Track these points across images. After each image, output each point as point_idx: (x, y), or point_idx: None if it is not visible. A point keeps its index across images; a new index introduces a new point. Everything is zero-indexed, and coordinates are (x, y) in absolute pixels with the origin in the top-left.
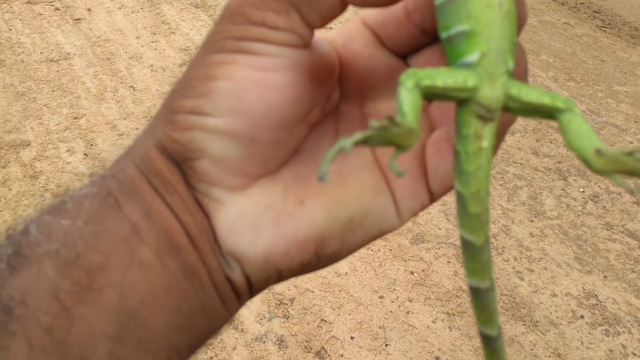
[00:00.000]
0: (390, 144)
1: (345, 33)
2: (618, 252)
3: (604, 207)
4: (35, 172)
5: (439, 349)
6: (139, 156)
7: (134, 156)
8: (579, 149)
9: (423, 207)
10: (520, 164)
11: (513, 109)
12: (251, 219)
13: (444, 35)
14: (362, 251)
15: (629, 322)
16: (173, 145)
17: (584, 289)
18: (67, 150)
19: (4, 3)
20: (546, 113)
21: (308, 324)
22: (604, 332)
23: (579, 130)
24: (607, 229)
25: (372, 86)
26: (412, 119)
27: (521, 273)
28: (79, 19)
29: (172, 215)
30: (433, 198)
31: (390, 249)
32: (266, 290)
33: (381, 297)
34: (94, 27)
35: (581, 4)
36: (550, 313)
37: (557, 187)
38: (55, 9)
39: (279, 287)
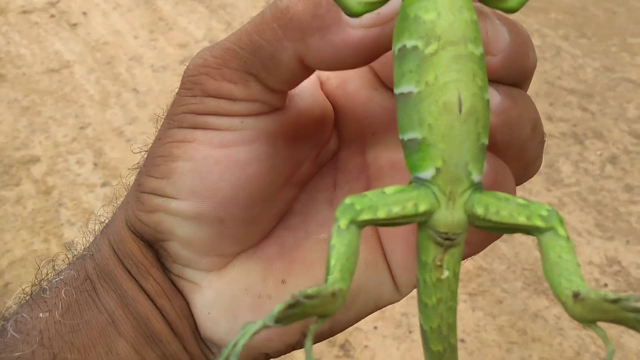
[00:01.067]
0: (309, 315)
1: (340, 73)
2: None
3: (622, 168)
4: (47, 187)
5: (463, 331)
6: (113, 235)
7: (109, 234)
8: (555, 286)
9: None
10: None
11: (483, 227)
12: (228, 303)
13: (400, 137)
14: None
15: None
16: (142, 226)
17: (606, 256)
18: (77, 162)
19: None
20: (524, 231)
21: None
22: None
23: (558, 261)
24: (627, 192)
25: (372, 131)
26: (336, 279)
27: None
28: (75, 24)
29: (148, 301)
30: (466, 256)
31: None
32: None
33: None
34: (91, 31)
35: None
36: None
37: (574, 152)
38: (51, 16)
39: None
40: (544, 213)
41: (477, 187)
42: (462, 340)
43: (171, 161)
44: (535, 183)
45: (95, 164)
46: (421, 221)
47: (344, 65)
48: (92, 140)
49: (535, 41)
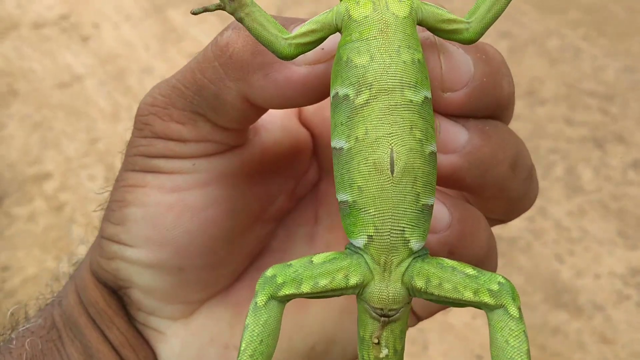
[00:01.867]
0: None
1: None
2: None
3: None
4: (60, 203)
5: (480, 346)
6: (79, 280)
7: (76, 278)
8: None
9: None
10: (554, 136)
11: (427, 299)
12: (194, 355)
13: (337, 196)
14: None
15: None
16: (103, 273)
17: (629, 266)
18: (89, 177)
19: (12, 31)
20: (473, 305)
21: None
22: None
23: (504, 347)
24: None
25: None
26: None
27: (561, 256)
28: (87, 38)
29: (113, 352)
30: (419, 319)
31: None
32: None
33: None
34: (102, 43)
35: None
36: (595, 296)
37: (595, 158)
38: (63, 29)
39: None
40: (494, 287)
41: (419, 255)
42: (480, 357)
43: (124, 207)
44: (554, 190)
45: (107, 179)
46: (355, 293)
47: (292, 104)
48: (103, 154)
49: (554, 42)
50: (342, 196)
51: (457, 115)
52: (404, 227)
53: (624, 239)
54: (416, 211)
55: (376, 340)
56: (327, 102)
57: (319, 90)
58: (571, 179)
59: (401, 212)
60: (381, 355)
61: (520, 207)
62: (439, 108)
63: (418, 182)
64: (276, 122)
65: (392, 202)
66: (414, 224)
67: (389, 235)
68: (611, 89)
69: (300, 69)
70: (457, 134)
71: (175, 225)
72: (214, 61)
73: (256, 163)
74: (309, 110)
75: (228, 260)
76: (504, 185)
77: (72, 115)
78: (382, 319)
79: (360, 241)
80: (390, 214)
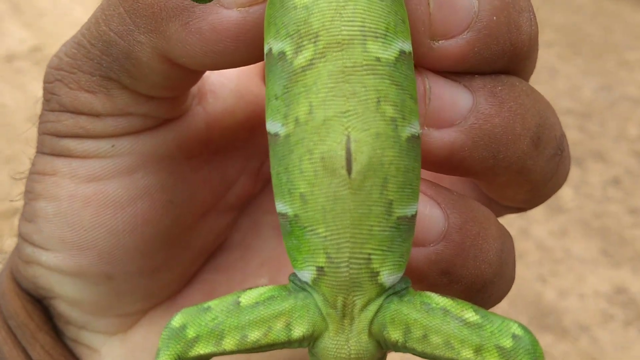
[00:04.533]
0: None
1: None
2: None
3: (625, 190)
4: None
5: None
6: None
7: None
8: None
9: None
10: None
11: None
12: None
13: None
14: None
15: None
16: (23, 280)
17: (613, 285)
18: None
19: None
20: None
21: None
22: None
23: None
24: (632, 214)
25: None
26: None
27: (545, 277)
28: None
29: None
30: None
31: None
32: None
33: None
34: None
35: None
36: (580, 317)
37: (574, 176)
38: (35, 62)
39: None
40: (507, 343)
41: (395, 292)
42: None
43: (34, 200)
44: (534, 210)
45: None
46: (304, 347)
47: (225, 62)
48: None
49: None
50: (280, 206)
51: (456, 72)
52: (369, 253)
53: (607, 258)
54: (388, 229)
55: None
56: None
57: (259, 44)
58: (551, 198)
59: (365, 231)
60: None
61: (547, 192)
62: (428, 63)
63: (390, 185)
64: (229, 85)
65: (352, 218)
66: (385, 248)
67: (347, 266)
68: (588, 107)
69: (230, 14)
70: (456, 100)
71: (94, 224)
72: (119, 6)
73: (201, 140)
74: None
75: (171, 264)
76: (524, 166)
77: None
78: None
79: (306, 274)
80: (348, 235)
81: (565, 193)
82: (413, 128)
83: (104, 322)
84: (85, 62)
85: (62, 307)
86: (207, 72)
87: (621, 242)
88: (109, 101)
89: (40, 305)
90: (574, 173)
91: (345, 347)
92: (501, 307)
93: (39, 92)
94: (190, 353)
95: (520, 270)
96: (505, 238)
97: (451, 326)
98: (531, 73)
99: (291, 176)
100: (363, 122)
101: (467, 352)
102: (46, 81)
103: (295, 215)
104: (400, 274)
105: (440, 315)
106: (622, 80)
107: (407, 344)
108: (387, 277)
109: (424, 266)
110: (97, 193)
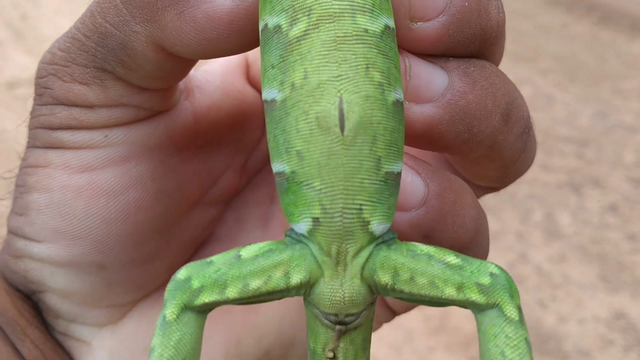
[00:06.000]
0: None
1: None
2: None
3: (622, 217)
4: None
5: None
6: None
7: None
8: None
9: (380, 325)
10: (531, 182)
11: (399, 298)
12: None
13: (272, 166)
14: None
15: None
16: (11, 275)
17: (612, 310)
18: None
19: None
20: (458, 304)
21: None
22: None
23: (497, 357)
24: (630, 240)
25: None
26: None
27: (544, 302)
28: None
29: None
30: (396, 314)
31: None
32: None
33: (398, 350)
34: None
35: (575, 1)
36: (580, 342)
37: (572, 202)
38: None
39: None
40: (485, 280)
41: (383, 241)
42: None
43: (26, 193)
44: (533, 236)
45: None
46: (301, 294)
47: (218, 51)
48: None
49: (526, 90)
50: (277, 166)
51: (432, 54)
52: (361, 204)
53: (605, 283)
54: (377, 182)
55: (331, 354)
56: None
57: (252, 32)
58: (550, 224)
59: (357, 184)
60: None
61: (516, 170)
62: (408, 44)
63: (379, 143)
64: (214, 82)
65: (344, 172)
66: (374, 200)
67: (341, 216)
68: (585, 134)
69: (224, 2)
70: (433, 78)
71: (87, 214)
72: None
73: (189, 133)
74: (254, 70)
75: (162, 254)
76: (496, 142)
77: None
78: (338, 327)
79: (303, 226)
80: (341, 187)
81: (563, 219)
82: (397, 94)
83: (94, 313)
84: (79, 55)
85: (52, 301)
86: (192, 71)
87: (619, 268)
88: (103, 92)
89: (30, 300)
90: (571, 199)
91: (340, 291)
92: None
93: None
94: (195, 302)
95: (520, 295)
96: (480, 210)
97: (435, 268)
98: (500, 59)
99: (288, 136)
100: (354, 85)
101: (450, 290)
102: (39, 77)
103: (292, 172)
104: (389, 225)
105: (424, 259)
106: (618, 108)
107: (395, 287)
108: (377, 226)
109: (407, 229)
110: (90, 182)
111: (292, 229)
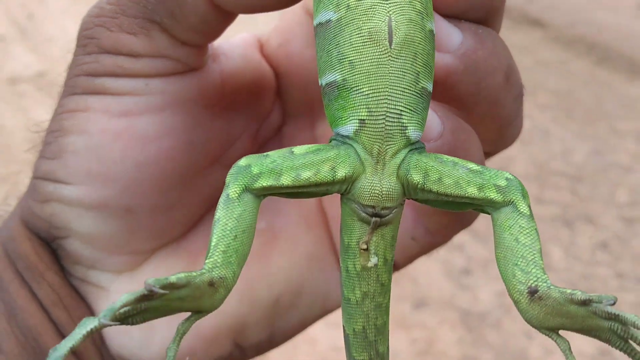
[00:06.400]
0: (176, 310)
1: (283, 29)
2: (631, 303)
3: (613, 254)
4: None
5: None
6: (7, 231)
7: (3, 230)
8: (507, 278)
9: None
10: None
11: (423, 201)
12: None
13: (319, 82)
14: None
15: None
16: (36, 220)
17: (598, 347)
18: None
19: None
20: (476, 206)
21: None
22: None
23: (513, 246)
24: (618, 279)
25: (321, 99)
26: (217, 263)
27: (530, 333)
28: None
29: (42, 312)
30: (396, 267)
31: (390, 317)
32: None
33: None
34: None
35: (575, 40)
36: None
37: (564, 237)
38: (39, 87)
39: None
40: (502, 183)
41: (416, 148)
42: None
43: (62, 136)
44: None
45: None
46: (342, 191)
47: (263, 4)
48: None
49: (524, 123)
50: (328, 77)
51: (449, 15)
52: (401, 110)
53: None
54: (415, 94)
55: (364, 246)
56: (292, 36)
57: None
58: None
59: (399, 92)
60: (369, 264)
61: (508, 134)
62: (433, 3)
63: (418, 60)
64: (236, 50)
65: (390, 80)
66: (412, 109)
67: (384, 119)
68: (580, 171)
69: None
70: (451, 34)
71: (123, 157)
72: None
73: (216, 91)
74: (272, 45)
75: (182, 204)
76: (498, 98)
77: None
78: (374, 219)
79: (350, 127)
80: (386, 93)
81: (555, 253)
82: (431, 25)
83: (114, 260)
84: (130, 6)
85: (74, 246)
86: (217, 41)
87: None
88: (148, 43)
89: (50, 247)
90: (563, 234)
91: (378, 185)
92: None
93: (41, 117)
94: (254, 185)
95: (507, 324)
96: (483, 155)
97: (459, 172)
98: (499, 28)
99: (342, 49)
100: (400, 9)
101: (472, 190)
102: (84, 29)
103: (344, 79)
104: (421, 133)
105: (450, 164)
106: (613, 147)
107: (425, 186)
108: (413, 132)
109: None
110: (128, 127)
111: (336, 134)
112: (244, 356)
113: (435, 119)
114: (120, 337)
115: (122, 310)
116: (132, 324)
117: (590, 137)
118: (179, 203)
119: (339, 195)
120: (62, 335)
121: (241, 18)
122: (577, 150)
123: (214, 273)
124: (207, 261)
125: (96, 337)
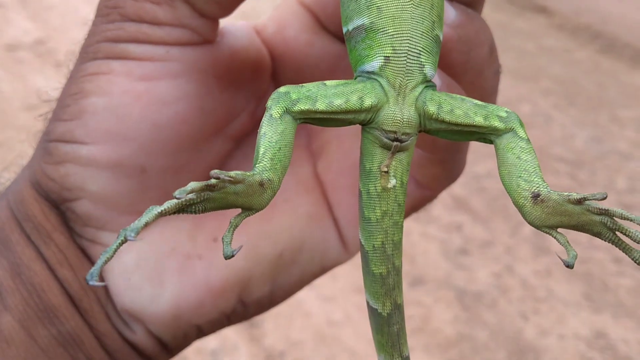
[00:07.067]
0: (230, 205)
1: (279, 17)
2: (628, 288)
3: None
4: None
5: None
6: (13, 195)
7: (9, 194)
8: (512, 189)
9: None
10: None
11: (435, 132)
12: (152, 267)
13: (344, 30)
14: (356, 298)
15: None
16: (47, 182)
17: (593, 330)
18: None
19: None
20: (481, 135)
21: None
22: None
23: (516, 162)
24: (616, 264)
25: (315, 81)
26: (265, 167)
27: (526, 314)
28: (61, 64)
29: (47, 270)
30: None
31: None
32: (252, 344)
33: None
34: None
35: (580, 28)
36: (558, 357)
37: None
38: (38, 54)
39: (268, 340)
40: (503, 114)
41: (430, 85)
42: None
43: (82, 98)
44: (521, 249)
45: None
46: (366, 121)
47: None
48: None
49: (525, 108)
50: (356, 22)
51: None
52: (420, 50)
53: (589, 302)
54: (431, 38)
55: (385, 169)
56: (287, 23)
57: None
58: (539, 239)
59: (419, 35)
60: (389, 185)
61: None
62: None
63: (434, 10)
64: (242, 30)
65: (411, 24)
66: (428, 50)
67: (406, 56)
68: (580, 157)
69: None
70: (448, 8)
71: (142, 118)
72: None
73: (226, 64)
74: (269, 31)
75: (189, 168)
76: (482, 69)
77: (36, 139)
78: (394, 143)
79: (375, 64)
80: (408, 35)
81: None
82: None
83: (124, 219)
84: None
85: (85, 207)
86: (223, 23)
87: (604, 289)
88: (171, 12)
89: (58, 210)
90: None
91: (400, 113)
92: (481, 339)
93: (39, 84)
94: (294, 108)
95: (503, 305)
96: (499, 66)
97: (467, 105)
98: (481, 11)
99: None
100: None
101: (479, 119)
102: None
103: (371, 22)
104: (434, 73)
105: (459, 99)
106: (613, 135)
107: (439, 116)
108: (429, 70)
109: (449, 34)
110: (148, 90)
111: (361, 72)
112: (245, 313)
113: (450, 10)
114: (131, 292)
115: (188, 196)
116: (193, 212)
117: (591, 124)
118: (187, 166)
119: (360, 127)
120: (67, 293)
121: (244, 14)
122: (578, 136)
123: (263, 175)
124: (257, 165)
125: (101, 295)
